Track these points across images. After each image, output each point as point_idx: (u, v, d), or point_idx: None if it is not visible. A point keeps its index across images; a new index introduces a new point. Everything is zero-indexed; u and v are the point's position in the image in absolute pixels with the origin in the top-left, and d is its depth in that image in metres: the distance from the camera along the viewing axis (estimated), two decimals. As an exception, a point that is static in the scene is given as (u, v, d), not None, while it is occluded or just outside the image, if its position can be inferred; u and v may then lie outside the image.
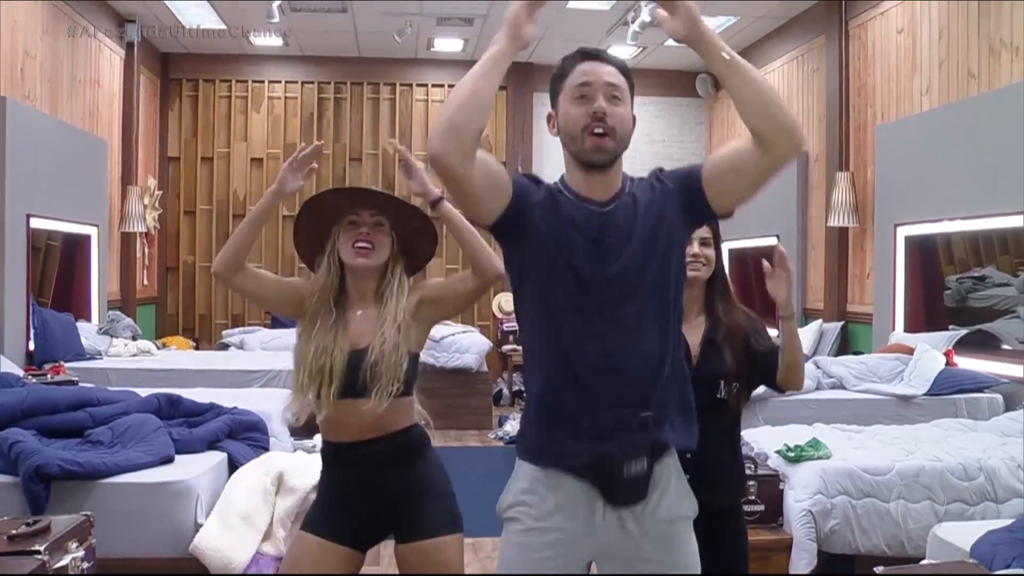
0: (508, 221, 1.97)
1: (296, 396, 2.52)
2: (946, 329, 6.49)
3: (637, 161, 10.82)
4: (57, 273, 7.57)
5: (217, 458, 4.20)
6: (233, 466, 4.23)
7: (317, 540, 2.50)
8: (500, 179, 1.96)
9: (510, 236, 2.01)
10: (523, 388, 2.10)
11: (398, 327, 2.48)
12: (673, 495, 2.03)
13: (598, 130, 1.94)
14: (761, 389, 5.86)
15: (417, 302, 2.55)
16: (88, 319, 7.96)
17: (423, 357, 2.62)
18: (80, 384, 5.70)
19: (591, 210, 1.99)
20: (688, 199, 2.02)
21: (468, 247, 2.51)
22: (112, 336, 7.76)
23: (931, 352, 6.10)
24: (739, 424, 2.87)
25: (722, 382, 2.65)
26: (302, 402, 2.51)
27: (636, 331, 1.95)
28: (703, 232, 2.74)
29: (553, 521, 1.97)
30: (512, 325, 9.72)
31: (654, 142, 11.10)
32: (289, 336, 7.89)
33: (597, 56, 2.03)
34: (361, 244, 2.50)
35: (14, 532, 2.91)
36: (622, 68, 2.03)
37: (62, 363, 6.40)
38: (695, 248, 2.68)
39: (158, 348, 8.11)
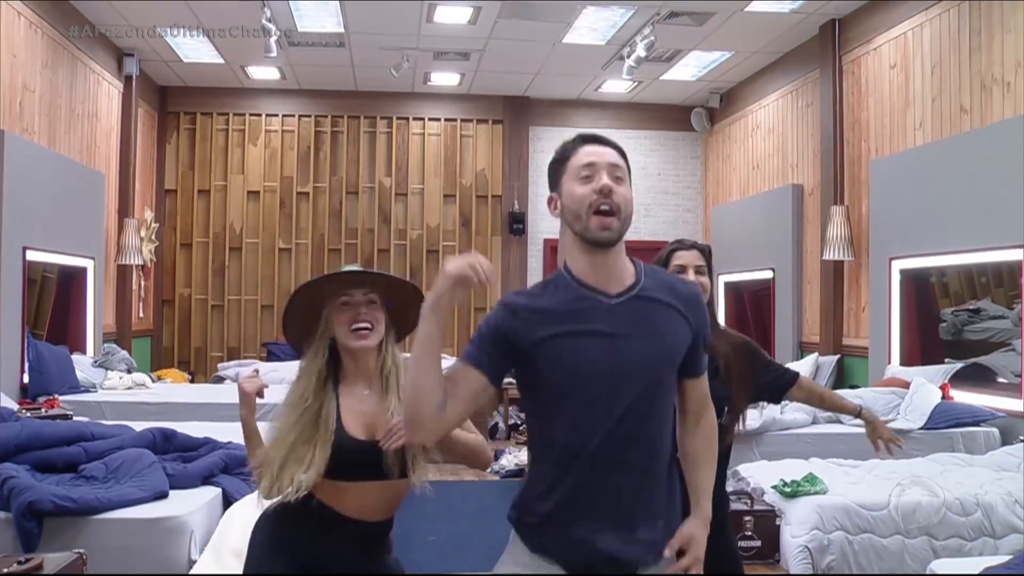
0: (513, 378, 2.02)
1: (309, 477, 2.35)
2: (942, 362, 6.49)
3: (634, 195, 10.87)
4: (53, 306, 7.57)
5: (212, 493, 4.19)
6: (228, 501, 4.21)
7: None
8: (483, 394, 1.95)
9: (518, 367, 2.01)
10: (528, 454, 2.02)
11: None
12: None
13: (604, 207, 1.94)
14: (758, 423, 5.86)
15: None
16: (83, 352, 7.94)
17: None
18: (74, 418, 5.69)
19: (600, 302, 1.96)
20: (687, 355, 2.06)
21: (468, 460, 2.51)
22: (107, 369, 7.74)
23: (927, 386, 6.10)
24: (730, 448, 2.89)
25: (725, 408, 2.66)
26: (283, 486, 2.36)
27: (648, 426, 1.96)
28: (697, 260, 2.75)
29: None
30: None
31: (650, 175, 11.16)
32: (286, 369, 7.85)
33: (598, 140, 2.03)
34: (360, 326, 2.44)
35: (6, 571, 2.88)
36: (621, 152, 2.04)
37: (56, 397, 6.39)
38: (691, 276, 2.69)
39: (153, 381, 8.09)
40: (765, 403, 2.91)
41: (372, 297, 2.48)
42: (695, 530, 2.01)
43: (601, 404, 1.91)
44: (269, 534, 2.47)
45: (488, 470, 2.46)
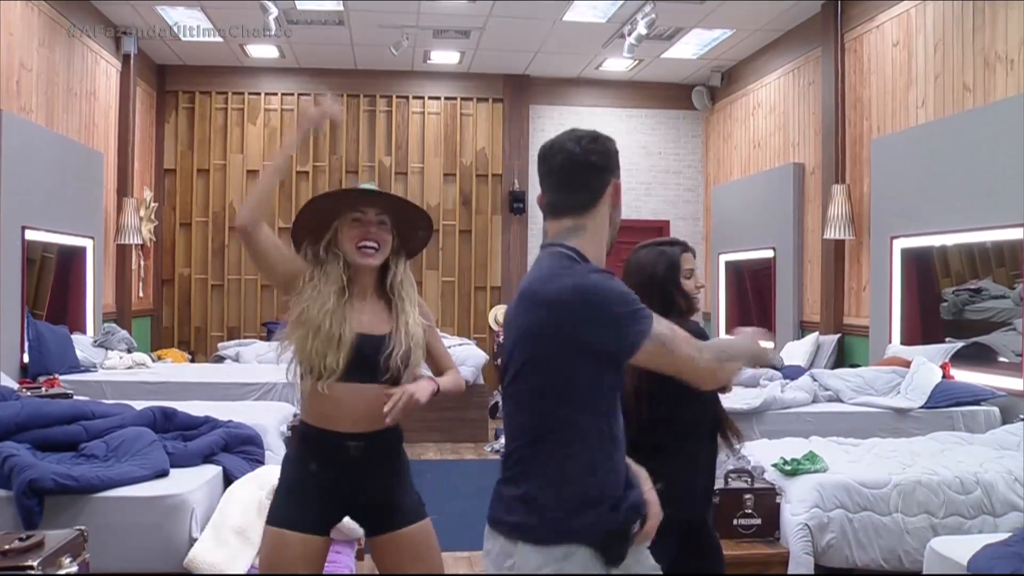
0: None
1: (308, 364, 2.53)
2: (943, 342, 6.48)
3: (634, 174, 10.93)
4: (52, 285, 7.55)
5: (212, 472, 4.18)
6: (228, 480, 4.20)
7: (298, 536, 2.49)
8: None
9: None
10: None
11: (415, 319, 2.60)
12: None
13: None
14: (758, 401, 5.86)
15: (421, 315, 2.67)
16: (83, 331, 7.93)
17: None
18: (75, 397, 5.67)
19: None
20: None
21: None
22: (107, 349, 7.73)
23: (928, 365, 6.09)
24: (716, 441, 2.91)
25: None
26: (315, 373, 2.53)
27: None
28: (692, 263, 2.86)
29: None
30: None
31: (650, 154, 11.10)
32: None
33: None
34: (367, 245, 2.56)
35: (7, 547, 2.88)
36: None
37: (57, 376, 6.37)
38: (700, 280, 2.83)
39: (153, 361, 8.08)
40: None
41: (383, 218, 2.59)
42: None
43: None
44: (289, 472, 2.61)
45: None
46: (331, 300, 2.52)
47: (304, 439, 2.61)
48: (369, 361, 2.52)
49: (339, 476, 2.54)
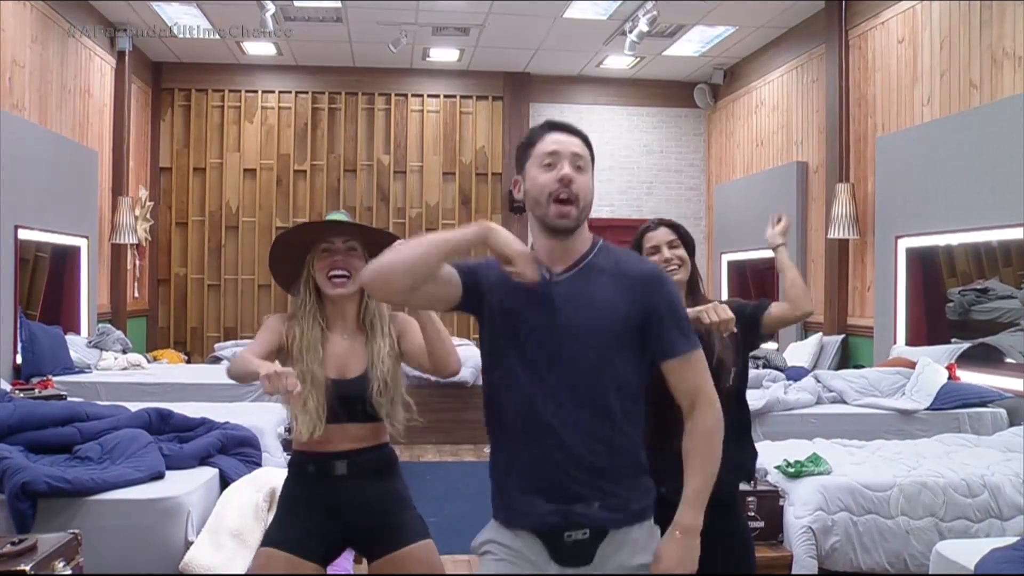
0: (465, 307, 2.11)
1: (310, 419, 2.51)
2: (948, 342, 6.43)
3: (636, 172, 10.89)
4: (46, 285, 7.50)
5: (208, 474, 4.13)
6: (225, 482, 4.16)
7: (284, 556, 2.48)
8: (445, 287, 2.06)
9: (474, 313, 2.14)
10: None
11: (393, 354, 2.60)
12: (627, 552, 2.04)
13: (563, 195, 2.02)
14: (761, 403, 5.79)
15: (397, 337, 2.65)
16: (77, 332, 7.88)
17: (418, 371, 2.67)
18: (69, 399, 5.64)
19: (544, 279, 2.03)
20: (646, 330, 2.07)
21: (432, 347, 2.57)
22: (102, 349, 7.68)
23: (933, 366, 6.04)
24: (745, 406, 2.80)
25: (722, 374, 2.63)
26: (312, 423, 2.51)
27: (577, 405, 2.01)
28: (667, 236, 2.76)
29: (521, 555, 2.05)
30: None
31: (652, 153, 11.06)
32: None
33: (564, 128, 2.12)
34: (337, 274, 2.57)
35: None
36: (586, 140, 2.12)
37: (50, 377, 6.33)
38: (665, 253, 2.72)
39: (149, 362, 8.03)
40: (759, 353, 2.77)
41: (352, 245, 2.60)
42: (664, 547, 2.03)
43: (539, 372, 2.01)
44: (284, 498, 2.64)
45: (452, 377, 2.66)
46: (307, 336, 2.55)
47: (293, 464, 2.64)
48: (345, 407, 2.53)
49: (330, 496, 2.55)
